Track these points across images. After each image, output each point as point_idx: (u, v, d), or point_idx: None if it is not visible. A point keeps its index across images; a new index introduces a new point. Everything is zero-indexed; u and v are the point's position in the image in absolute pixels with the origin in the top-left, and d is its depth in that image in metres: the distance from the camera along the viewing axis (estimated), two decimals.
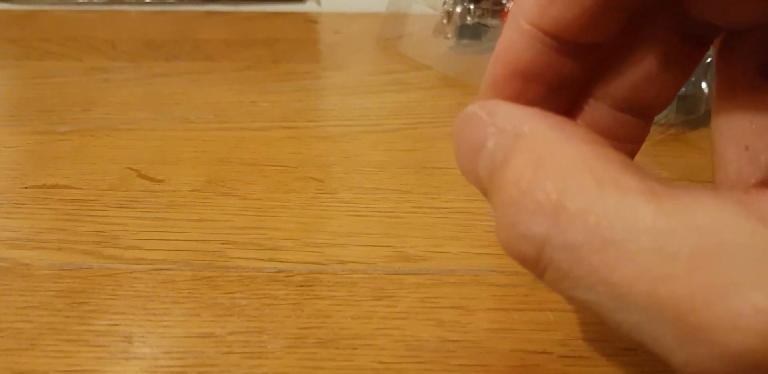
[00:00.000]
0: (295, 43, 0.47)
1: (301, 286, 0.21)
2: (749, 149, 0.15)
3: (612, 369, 0.18)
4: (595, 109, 0.17)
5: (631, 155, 0.17)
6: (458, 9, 0.41)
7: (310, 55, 0.45)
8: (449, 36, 0.42)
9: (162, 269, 0.22)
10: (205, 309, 0.20)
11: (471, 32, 0.42)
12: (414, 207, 0.25)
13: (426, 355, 0.18)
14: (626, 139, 0.17)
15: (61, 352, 0.18)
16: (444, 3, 0.41)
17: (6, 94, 0.37)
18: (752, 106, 0.15)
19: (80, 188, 0.26)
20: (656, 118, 0.18)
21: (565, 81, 0.16)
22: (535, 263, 0.12)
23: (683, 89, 0.30)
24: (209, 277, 0.21)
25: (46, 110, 0.34)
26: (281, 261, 0.22)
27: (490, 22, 0.40)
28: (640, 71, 0.16)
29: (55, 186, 0.27)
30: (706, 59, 0.29)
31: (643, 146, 0.17)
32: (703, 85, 0.31)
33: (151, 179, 0.27)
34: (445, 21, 0.42)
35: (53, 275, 0.21)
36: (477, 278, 0.21)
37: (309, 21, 0.53)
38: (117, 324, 0.19)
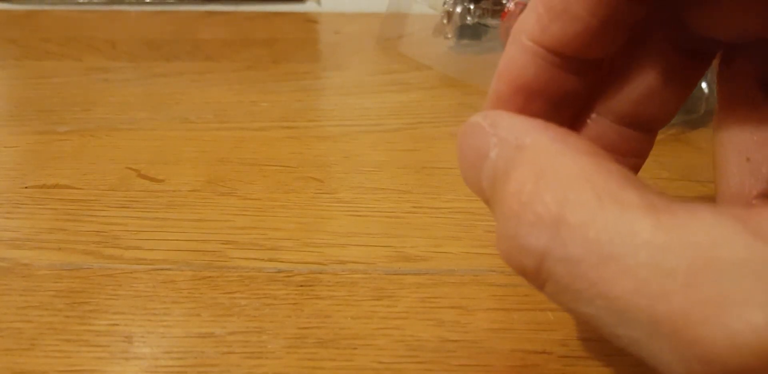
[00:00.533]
0: (295, 43, 0.47)
1: (301, 286, 0.21)
2: (751, 161, 0.15)
3: (611, 369, 0.18)
4: (598, 124, 0.17)
5: (635, 169, 0.17)
6: (458, 9, 0.41)
7: (310, 55, 0.45)
8: (449, 36, 0.42)
9: (162, 269, 0.22)
10: (205, 308, 0.20)
11: (471, 32, 0.42)
12: (414, 207, 0.25)
13: (426, 355, 0.18)
14: (630, 153, 0.17)
15: (61, 352, 0.18)
16: (444, 3, 0.42)
17: (6, 94, 0.37)
18: (753, 118, 0.15)
19: (80, 188, 0.26)
20: None
21: (567, 96, 0.16)
22: (535, 276, 0.12)
23: None
24: (209, 277, 0.21)
25: (46, 110, 0.34)
26: (281, 261, 0.22)
27: (490, 22, 0.40)
28: (641, 87, 0.16)
29: (55, 186, 0.27)
30: None
31: None
32: (703, 85, 0.31)
33: (151, 179, 0.27)
34: (445, 21, 0.42)
35: (53, 275, 0.21)
36: (477, 278, 0.21)
37: (309, 21, 0.53)
38: (117, 324, 0.19)
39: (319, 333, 0.19)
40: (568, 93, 0.16)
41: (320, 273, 0.22)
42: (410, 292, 0.21)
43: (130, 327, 0.19)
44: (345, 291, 0.21)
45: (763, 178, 0.15)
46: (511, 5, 0.37)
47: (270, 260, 0.22)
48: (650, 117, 0.16)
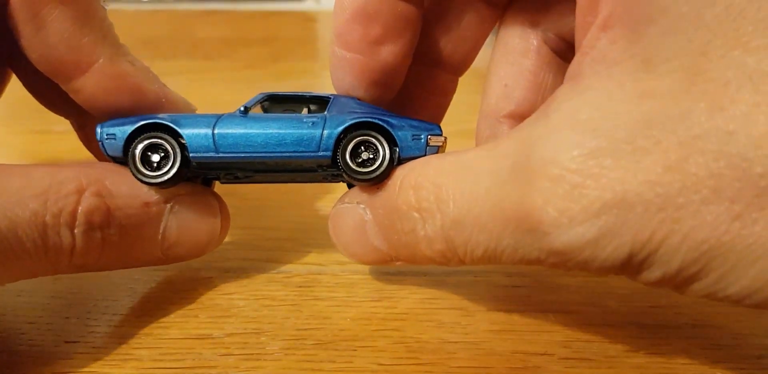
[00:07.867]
0: (294, 42, 0.47)
1: (300, 287, 0.21)
2: (507, 86, 0.20)
3: (613, 371, 0.18)
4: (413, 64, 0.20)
5: (441, 107, 0.22)
6: None
7: (309, 53, 0.45)
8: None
9: (160, 270, 0.22)
10: (203, 310, 0.20)
11: None
12: None
13: (426, 357, 0.18)
14: (437, 91, 0.21)
15: (59, 353, 0.18)
16: None
17: (4, 93, 0.36)
18: (517, 51, 0.20)
19: None
20: None
21: (400, 22, 0.19)
22: None
23: None
24: (208, 278, 0.21)
25: (43, 109, 0.34)
26: (280, 262, 0.22)
27: None
28: (442, 29, 0.20)
29: None
30: None
31: None
32: None
33: None
34: None
35: (51, 277, 0.21)
36: (477, 279, 0.21)
37: (308, 19, 0.53)
38: (115, 326, 0.19)
39: (318, 334, 0.19)
40: (400, 18, 0.18)
41: (319, 274, 0.21)
42: (410, 293, 0.21)
43: (128, 328, 0.19)
44: (344, 292, 0.21)
45: (513, 101, 0.20)
46: None
47: (269, 260, 0.22)
48: (448, 58, 0.21)
